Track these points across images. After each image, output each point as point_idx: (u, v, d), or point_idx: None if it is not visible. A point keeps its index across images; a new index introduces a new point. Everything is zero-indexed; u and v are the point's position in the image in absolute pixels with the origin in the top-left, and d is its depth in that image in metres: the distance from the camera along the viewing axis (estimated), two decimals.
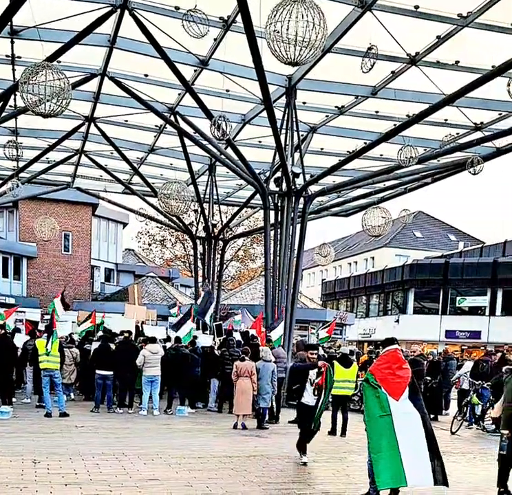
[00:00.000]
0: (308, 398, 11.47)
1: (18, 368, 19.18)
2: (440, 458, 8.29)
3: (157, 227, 53.79)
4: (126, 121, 21.21)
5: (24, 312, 29.59)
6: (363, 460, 9.85)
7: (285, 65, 11.63)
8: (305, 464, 11.21)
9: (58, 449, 11.61)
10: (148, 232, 58.32)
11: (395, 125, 18.37)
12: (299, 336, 30.04)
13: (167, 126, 20.89)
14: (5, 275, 40.65)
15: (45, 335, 16.38)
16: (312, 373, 11.39)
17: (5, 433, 13.11)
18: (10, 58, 16.76)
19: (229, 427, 15.37)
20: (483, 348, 39.04)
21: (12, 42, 15.92)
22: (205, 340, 20.25)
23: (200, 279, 30.73)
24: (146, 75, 17.80)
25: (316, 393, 11.33)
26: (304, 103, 19.02)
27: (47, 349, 15.77)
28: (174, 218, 28.72)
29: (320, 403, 11.20)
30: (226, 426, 15.52)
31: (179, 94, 19.09)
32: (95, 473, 9.77)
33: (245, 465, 11.03)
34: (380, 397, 8.49)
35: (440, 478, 8.19)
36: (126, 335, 18.49)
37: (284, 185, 20.52)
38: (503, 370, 10.30)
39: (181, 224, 30.47)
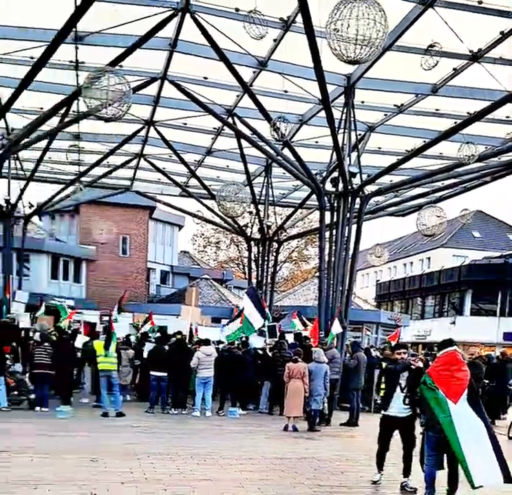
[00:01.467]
0: (396, 409, 9.61)
1: (78, 369, 19.66)
2: (504, 459, 8.07)
3: (213, 229, 54.10)
4: (185, 124, 21.46)
5: (82, 313, 30.11)
6: (418, 463, 9.42)
7: (345, 64, 11.68)
8: (374, 483, 9.91)
9: (114, 448, 11.71)
10: (203, 234, 58.78)
11: (455, 123, 18.16)
12: (352, 337, 29.81)
13: (225, 128, 21.04)
14: (66, 278, 41.39)
15: (104, 336, 16.76)
16: (404, 378, 9.61)
17: (63, 432, 13.33)
18: (74, 64, 17.14)
19: (280, 429, 15.23)
20: None
21: (76, 48, 16.29)
22: (257, 342, 20.19)
23: (253, 281, 30.81)
24: (205, 78, 17.99)
25: (407, 402, 9.49)
26: (362, 102, 18.94)
27: (107, 351, 16.04)
28: (230, 220, 28.88)
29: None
30: (277, 428, 15.39)
31: (237, 96, 19.23)
32: (150, 472, 9.82)
33: (296, 467, 10.90)
34: (438, 398, 8.33)
35: (508, 476, 7.97)
36: (179, 336, 18.63)
37: (341, 185, 20.40)
38: None
39: (236, 226, 30.60)
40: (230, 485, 9.33)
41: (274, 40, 15.54)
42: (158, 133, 21.72)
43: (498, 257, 51.80)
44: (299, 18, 13.81)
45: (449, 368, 8.45)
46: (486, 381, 18.39)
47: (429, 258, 61.41)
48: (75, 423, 14.81)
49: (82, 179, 25.71)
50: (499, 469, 7.99)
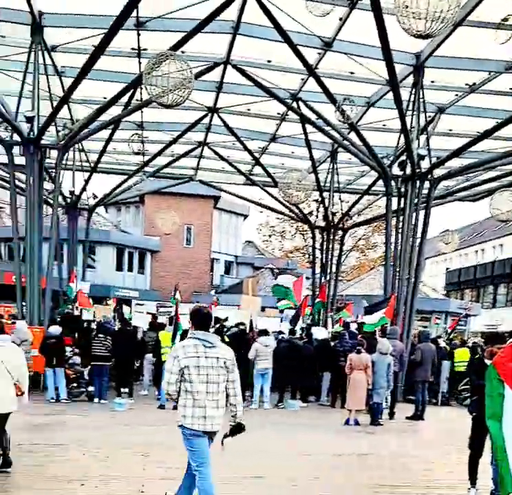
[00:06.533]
0: None
1: (139, 360, 19.03)
2: None
3: (278, 218, 53.80)
4: (249, 110, 21.14)
5: (143, 305, 30.26)
6: (488, 462, 8.59)
7: (414, 42, 11.21)
8: None
9: (167, 443, 10.86)
10: (268, 224, 58.52)
11: None
12: (420, 327, 29.12)
13: (289, 113, 20.64)
14: (130, 269, 41.79)
15: (170, 327, 16.68)
16: None
17: (119, 425, 13.21)
18: (136, 51, 17.01)
19: (341, 423, 14.65)
20: None
21: (138, 35, 16.13)
22: (319, 333, 19.81)
23: (318, 270, 30.35)
24: (269, 61, 17.60)
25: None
26: (432, 82, 18.28)
27: (173, 342, 15.84)
28: (293, 207, 28.49)
29: None
30: (338, 421, 14.81)
31: (302, 79, 18.78)
32: None
33: (356, 464, 10.50)
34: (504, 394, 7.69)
35: None
36: (242, 327, 18.33)
37: (409, 169, 19.76)
38: None
39: (300, 213, 30.13)
40: (281, 482, 8.86)
41: (340, 19, 15.04)
42: (222, 120, 21.45)
43: None
44: None
45: None
46: None
47: (501, 245, 59.76)
48: (132, 416, 14.72)
49: (146, 169, 25.73)
50: None
